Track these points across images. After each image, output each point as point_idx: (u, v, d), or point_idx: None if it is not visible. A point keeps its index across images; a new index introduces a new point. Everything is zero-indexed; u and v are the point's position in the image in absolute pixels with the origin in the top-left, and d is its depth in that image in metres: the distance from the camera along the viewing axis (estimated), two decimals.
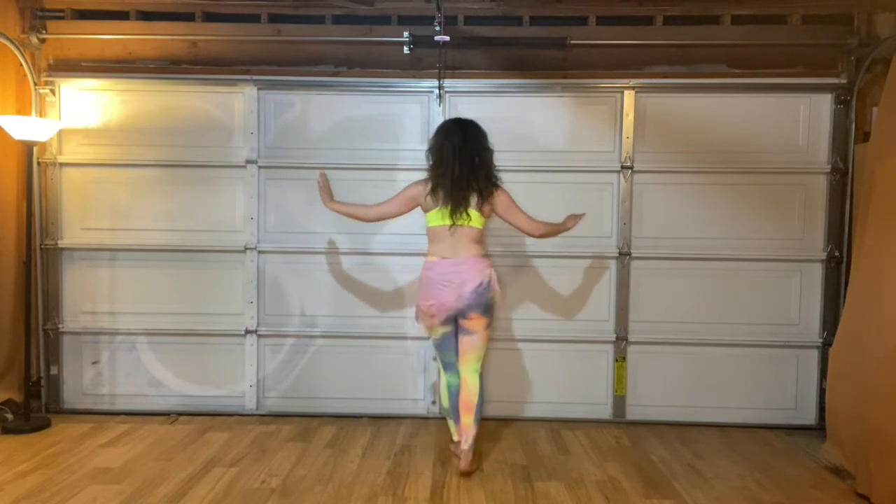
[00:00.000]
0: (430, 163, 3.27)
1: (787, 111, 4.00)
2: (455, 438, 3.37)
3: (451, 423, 3.40)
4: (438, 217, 3.21)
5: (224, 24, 4.07)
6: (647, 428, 3.97)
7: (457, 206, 3.16)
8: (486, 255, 3.31)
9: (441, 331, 3.28)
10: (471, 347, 3.27)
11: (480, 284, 3.17)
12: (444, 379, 3.39)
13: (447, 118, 3.41)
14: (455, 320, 3.26)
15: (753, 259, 4.02)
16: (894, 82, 3.17)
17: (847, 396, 3.27)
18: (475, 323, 3.22)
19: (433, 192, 3.21)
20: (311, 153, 4.08)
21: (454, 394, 3.33)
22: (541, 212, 4.02)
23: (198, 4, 4.05)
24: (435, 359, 3.70)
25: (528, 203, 4.00)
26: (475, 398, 3.26)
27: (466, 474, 3.21)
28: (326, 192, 3.47)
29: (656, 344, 4.08)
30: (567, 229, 3.40)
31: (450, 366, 3.35)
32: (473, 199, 3.18)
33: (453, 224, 3.19)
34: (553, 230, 3.39)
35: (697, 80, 4.00)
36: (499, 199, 3.24)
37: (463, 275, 3.17)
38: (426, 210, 3.25)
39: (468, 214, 3.18)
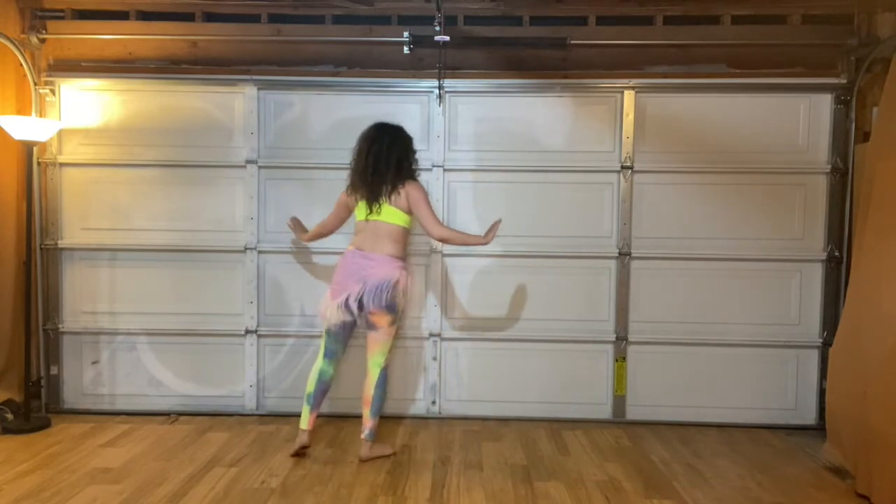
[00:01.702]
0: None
1: (787, 111, 4.00)
2: (303, 427, 3.39)
3: (306, 409, 3.39)
4: (358, 212, 3.39)
5: (224, 24, 4.07)
6: (647, 428, 3.97)
7: (368, 198, 3.31)
8: (402, 257, 3.37)
9: (338, 319, 3.30)
10: (374, 342, 3.40)
11: (384, 282, 3.26)
12: (318, 364, 3.41)
13: (379, 122, 3.48)
14: (358, 315, 3.32)
15: (753, 259, 4.02)
16: (894, 82, 3.17)
17: (847, 396, 3.27)
18: (377, 318, 3.33)
19: (352, 189, 3.39)
20: (311, 153, 4.08)
21: (322, 381, 3.41)
22: (541, 212, 4.05)
23: (198, 4, 4.05)
24: (433, 357, 3.84)
25: (528, 203, 4.05)
26: (371, 391, 3.38)
27: (364, 461, 3.36)
28: (300, 230, 3.80)
29: (656, 344, 4.08)
30: (483, 243, 3.37)
31: (331, 354, 3.42)
32: (385, 191, 3.29)
33: (368, 217, 3.32)
34: (460, 239, 3.44)
35: (697, 80, 4.00)
36: (410, 192, 3.31)
37: (368, 269, 3.27)
38: (352, 209, 3.46)
39: (379, 207, 3.29)
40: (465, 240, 3.45)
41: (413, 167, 3.41)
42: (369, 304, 3.26)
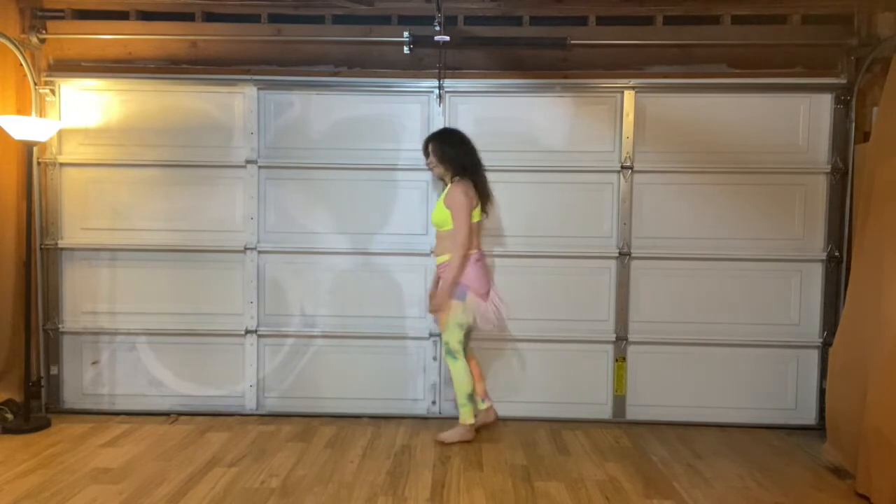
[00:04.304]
0: (466, 164, 3.55)
1: (787, 111, 4.00)
2: (481, 407, 3.73)
3: (470, 407, 3.65)
4: (477, 213, 3.58)
5: (224, 24, 4.07)
6: (647, 428, 3.97)
7: (485, 202, 3.61)
8: None
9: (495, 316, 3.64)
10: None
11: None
12: (464, 364, 3.61)
13: (449, 127, 3.80)
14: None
15: (753, 259, 4.02)
16: (894, 82, 3.17)
17: (847, 396, 3.27)
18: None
19: (476, 190, 3.56)
20: (311, 153, 4.08)
21: (473, 376, 3.70)
22: (541, 212, 4.05)
23: (198, 4, 4.05)
24: (433, 357, 3.89)
25: (528, 203, 4.05)
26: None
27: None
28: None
29: (656, 344, 4.08)
30: (446, 287, 3.54)
31: (466, 350, 3.70)
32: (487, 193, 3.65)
33: (482, 218, 3.62)
34: (456, 261, 3.52)
35: (697, 80, 4.00)
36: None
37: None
38: (473, 209, 3.56)
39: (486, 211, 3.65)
40: (456, 267, 3.52)
41: None
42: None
